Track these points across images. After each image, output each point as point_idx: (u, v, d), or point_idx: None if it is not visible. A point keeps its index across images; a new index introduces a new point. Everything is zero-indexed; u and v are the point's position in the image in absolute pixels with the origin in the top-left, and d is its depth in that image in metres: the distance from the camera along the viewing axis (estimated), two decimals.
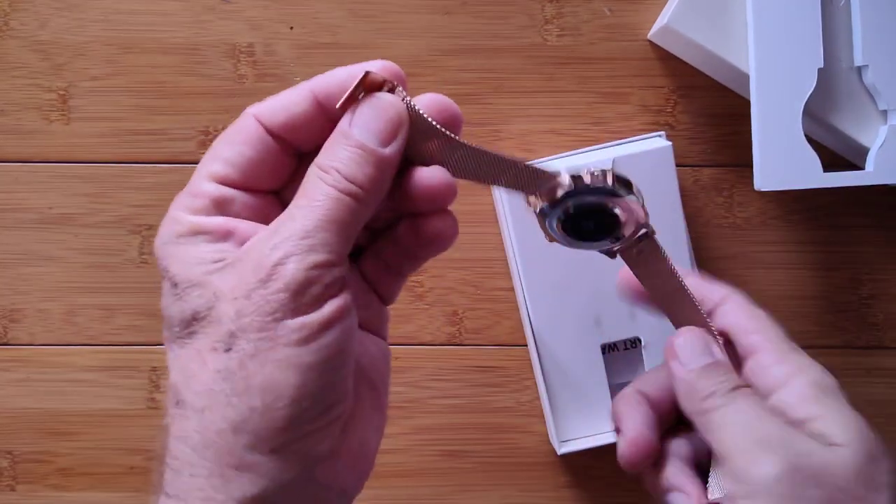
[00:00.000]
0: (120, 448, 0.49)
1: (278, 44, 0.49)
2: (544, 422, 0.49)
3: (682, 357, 0.32)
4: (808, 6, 0.43)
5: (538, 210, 0.29)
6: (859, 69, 0.45)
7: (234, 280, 0.24)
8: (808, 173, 0.44)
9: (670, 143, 0.46)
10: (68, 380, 0.49)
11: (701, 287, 0.35)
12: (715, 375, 0.31)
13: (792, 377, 0.31)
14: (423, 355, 0.50)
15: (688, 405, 0.32)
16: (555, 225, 0.29)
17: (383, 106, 0.26)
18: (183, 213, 0.26)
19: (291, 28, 0.49)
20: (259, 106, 0.27)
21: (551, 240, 0.30)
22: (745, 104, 0.45)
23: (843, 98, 0.45)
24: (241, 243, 0.26)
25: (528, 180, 0.28)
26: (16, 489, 0.49)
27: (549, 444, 0.49)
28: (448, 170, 0.27)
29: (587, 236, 0.30)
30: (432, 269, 0.49)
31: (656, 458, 0.33)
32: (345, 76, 0.27)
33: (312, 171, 0.25)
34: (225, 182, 0.27)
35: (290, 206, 0.25)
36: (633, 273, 0.33)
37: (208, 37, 0.49)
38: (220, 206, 0.26)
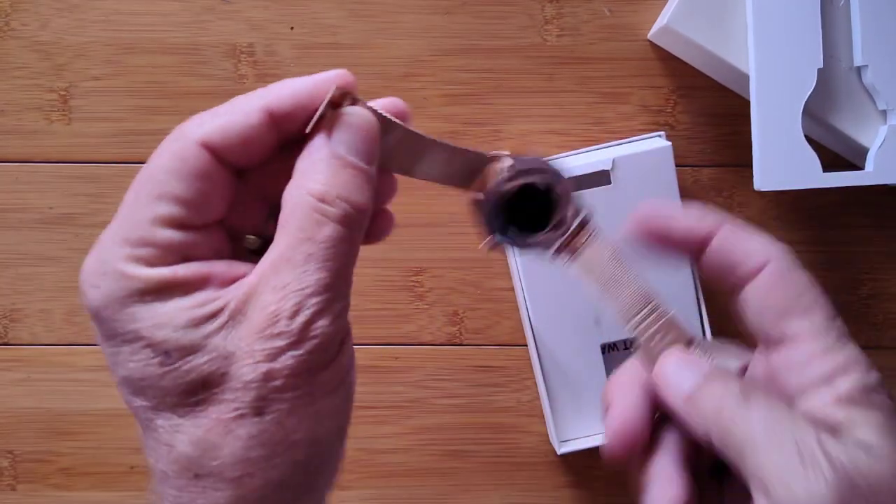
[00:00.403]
0: (121, 448, 0.49)
1: (278, 44, 0.49)
2: (544, 422, 0.49)
3: (672, 386, 0.27)
4: (807, 6, 0.43)
5: (476, 200, 0.28)
6: (859, 69, 0.45)
7: (249, 341, 0.23)
8: (808, 173, 0.44)
9: (670, 143, 0.46)
10: (69, 379, 0.49)
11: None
12: (716, 387, 0.26)
13: (835, 376, 0.26)
14: (424, 355, 0.50)
15: (701, 430, 0.26)
16: (493, 217, 0.28)
17: (361, 123, 0.25)
18: (133, 266, 0.23)
19: (292, 28, 0.49)
20: (203, 128, 0.24)
21: (492, 243, 0.29)
22: (745, 104, 0.45)
23: (843, 98, 0.45)
24: (222, 286, 0.23)
25: (466, 166, 0.27)
26: (17, 489, 0.49)
27: (549, 443, 0.49)
28: (390, 166, 0.26)
29: (527, 228, 0.28)
30: (432, 270, 0.49)
31: (644, 449, 0.29)
32: (299, 90, 0.24)
33: (306, 202, 0.23)
34: (179, 225, 0.23)
35: (290, 245, 0.23)
36: (581, 275, 0.29)
37: (208, 37, 0.49)
38: (178, 251, 0.24)
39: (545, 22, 0.49)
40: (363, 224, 0.24)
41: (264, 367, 0.22)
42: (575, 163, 0.46)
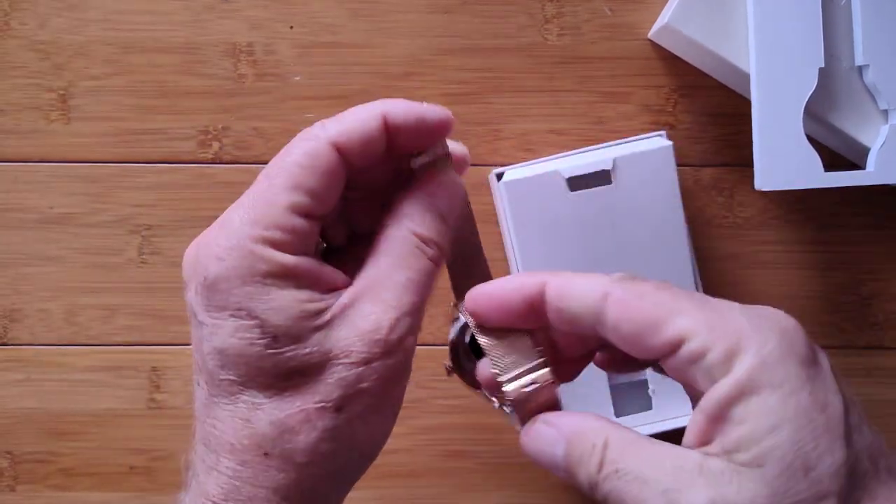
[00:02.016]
0: (121, 448, 0.49)
1: (278, 43, 0.49)
2: None
3: (549, 465, 0.28)
4: (808, 5, 0.43)
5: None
6: (860, 68, 0.45)
7: (348, 342, 0.25)
8: (809, 173, 0.43)
9: (671, 142, 0.46)
10: (69, 380, 0.49)
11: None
12: (580, 462, 0.26)
13: (727, 365, 0.24)
14: (425, 355, 0.49)
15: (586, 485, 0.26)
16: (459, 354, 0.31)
17: (460, 194, 0.29)
18: (265, 247, 0.25)
19: (291, 27, 0.49)
20: (332, 129, 0.26)
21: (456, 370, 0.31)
22: (746, 104, 0.44)
23: (844, 98, 0.45)
24: (326, 291, 0.26)
25: (467, 270, 0.30)
26: (16, 489, 0.49)
27: None
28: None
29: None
30: None
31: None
32: (411, 111, 0.27)
33: (410, 239, 0.27)
34: (308, 215, 0.26)
35: (392, 267, 0.27)
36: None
37: (208, 36, 0.49)
38: (302, 243, 0.26)
39: (545, 21, 0.49)
40: (441, 266, 0.28)
41: (359, 369, 0.25)
42: (575, 162, 0.45)
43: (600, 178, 0.45)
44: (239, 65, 0.49)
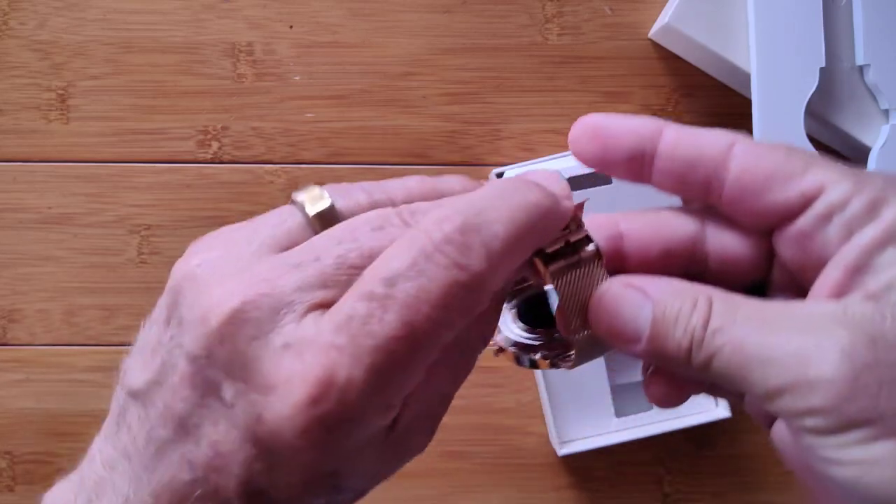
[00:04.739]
0: None
1: (278, 43, 0.49)
2: (545, 423, 0.49)
3: (624, 334, 0.23)
4: (809, 5, 0.43)
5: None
6: (861, 68, 0.45)
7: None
8: None
9: None
10: (68, 380, 0.49)
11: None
12: (675, 322, 0.22)
13: (869, 217, 0.22)
14: None
15: (685, 371, 0.23)
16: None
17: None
18: None
19: (291, 27, 0.49)
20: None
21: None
22: (748, 104, 0.44)
23: (845, 97, 0.45)
24: None
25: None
26: (15, 490, 0.49)
27: (550, 444, 0.49)
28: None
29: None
30: None
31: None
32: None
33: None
34: None
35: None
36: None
37: (207, 36, 0.48)
38: None
39: (546, 20, 0.49)
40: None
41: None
42: (575, 162, 0.45)
43: (600, 178, 0.45)
44: (238, 64, 0.49)
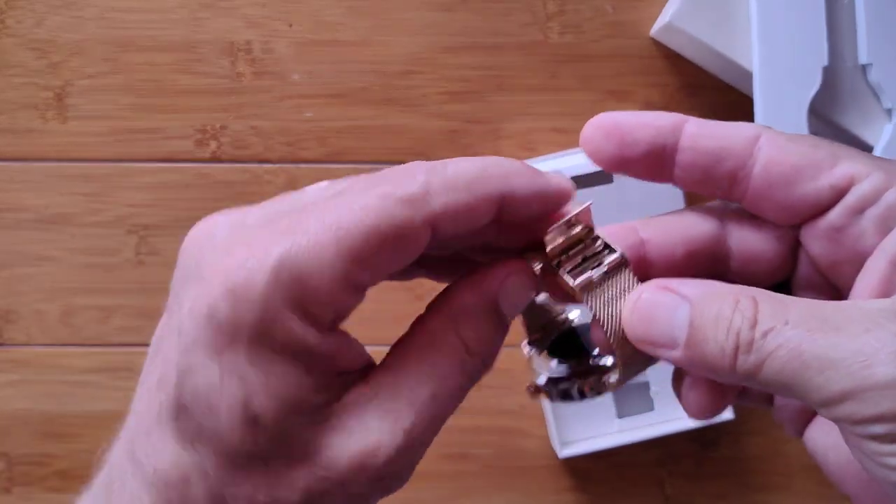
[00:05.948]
0: None
1: (277, 41, 0.48)
2: (546, 425, 0.48)
3: (660, 340, 0.21)
4: (811, 3, 0.43)
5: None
6: (864, 67, 0.44)
7: (331, 455, 0.22)
8: None
9: None
10: (65, 381, 0.49)
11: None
12: (716, 324, 0.20)
13: None
14: None
15: (727, 378, 0.21)
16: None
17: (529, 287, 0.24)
18: (293, 316, 0.21)
19: (290, 25, 0.48)
20: (438, 202, 0.21)
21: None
22: (750, 102, 0.44)
23: (848, 96, 0.45)
24: (339, 374, 0.23)
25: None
26: (11, 491, 0.49)
27: (551, 447, 0.48)
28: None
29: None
30: None
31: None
32: (545, 188, 0.23)
33: (455, 348, 0.24)
34: (361, 289, 0.22)
35: (416, 375, 0.23)
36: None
37: (206, 34, 0.48)
38: (339, 317, 0.22)
39: (547, 19, 0.49)
40: (479, 380, 0.28)
41: (332, 485, 0.21)
42: (577, 161, 0.45)
43: (601, 177, 0.45)
44: (237, 63, 0.48)
